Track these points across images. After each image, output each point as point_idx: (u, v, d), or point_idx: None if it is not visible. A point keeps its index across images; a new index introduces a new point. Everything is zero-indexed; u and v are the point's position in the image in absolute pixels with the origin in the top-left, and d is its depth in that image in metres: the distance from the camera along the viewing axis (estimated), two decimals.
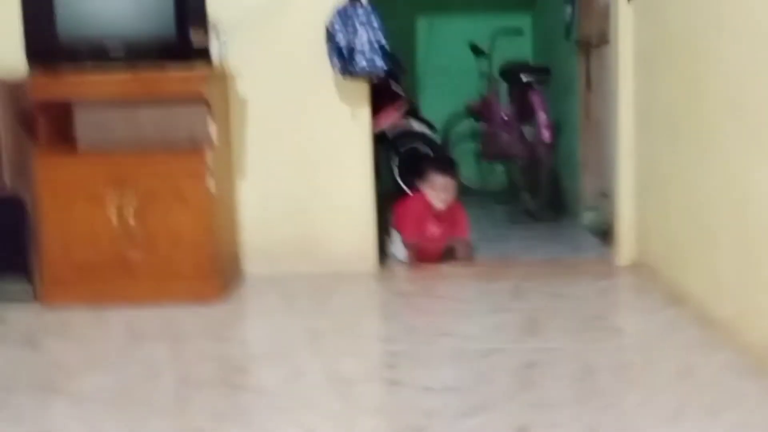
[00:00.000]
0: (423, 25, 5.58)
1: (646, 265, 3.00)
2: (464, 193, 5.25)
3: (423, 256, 3.24)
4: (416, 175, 4.85)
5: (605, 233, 3.51)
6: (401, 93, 4.63)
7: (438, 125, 5.01)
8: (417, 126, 4.78)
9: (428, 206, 3.21)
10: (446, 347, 2.23)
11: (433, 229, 3.23)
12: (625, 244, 3.16)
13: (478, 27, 4.99)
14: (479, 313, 2.59)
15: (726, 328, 2.21)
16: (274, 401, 1.89)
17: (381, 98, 4.29)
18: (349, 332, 2.44)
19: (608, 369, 2.03)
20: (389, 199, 3.52)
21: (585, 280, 2.95)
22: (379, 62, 2.86)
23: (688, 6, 2.47)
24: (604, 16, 3.40)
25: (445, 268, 3.22)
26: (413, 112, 4.79)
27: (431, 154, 4.85)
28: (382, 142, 4.61)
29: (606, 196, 3.67)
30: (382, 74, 2.91)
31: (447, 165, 3.29)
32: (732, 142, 2.15)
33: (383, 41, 2.86)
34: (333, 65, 2.92)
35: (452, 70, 5.41)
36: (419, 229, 3.20)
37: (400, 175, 4.87)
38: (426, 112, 4.95)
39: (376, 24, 2.85)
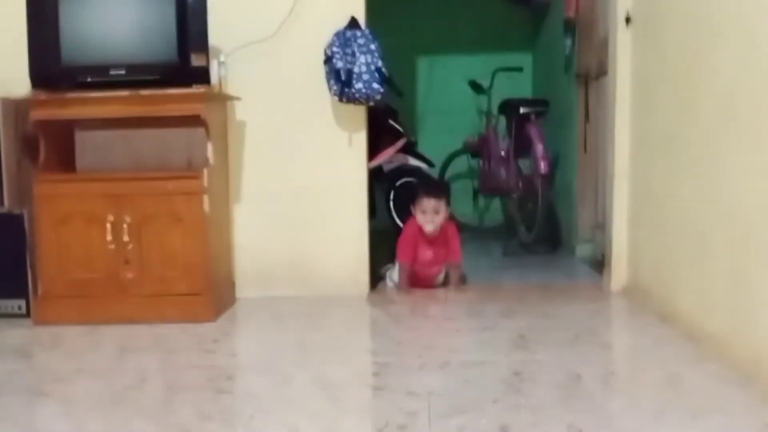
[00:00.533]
0: (423, 63, 5.71)
1: (638, 289, 3.02)
2: (461, 229, 5.33)
3: (416, 280, 3.28)
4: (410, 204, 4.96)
5: (600, 264, 3.54)
6: (399, 129, 4.73)
7: (437, 162, 5.10)
8: (413, 161, 4.87)
9: (420, 231, 3.25)
10: (433, 359, 2.24)
11: (426, 253, 3.26)
12: (618, 269, 3.19)
13: (478, 66, 5.11)
14: (468, 330, 2.60)
15: (715, 343, 2.22)
16: (261, 404, 1.89)
17: (379, 135, 4.40)
18: (338, 346, 2.46)
19: (594, 377, 2.04)
20: (384, 234, 3.56)
21: (576, 303, 2.97)
22: (376, 86, 2.93)
23: (684, 26, 2.53)
24: (604, 48, 3.49)
25: (438, 292, 3.25)
26: (410, 148, 4.87)
27: None
28: (378, 177, 4.69)
29: (601, 227, 3.70)
30: (379, 97, 2.97)
31: (435, 188, 3.31)
32: (724, 159, 2.19)
33: (381, 65, 2.94)
34: (330, 88, 2.99)
35: (451, 109, 5.52)
36: (412, 252, 3.24)
37: (395, 210, 4.93)
38: (425, 149, 5.03)
39: (374, 48, 2.93)
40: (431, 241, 3.25)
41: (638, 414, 1.77)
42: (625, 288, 3.15)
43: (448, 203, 3.26)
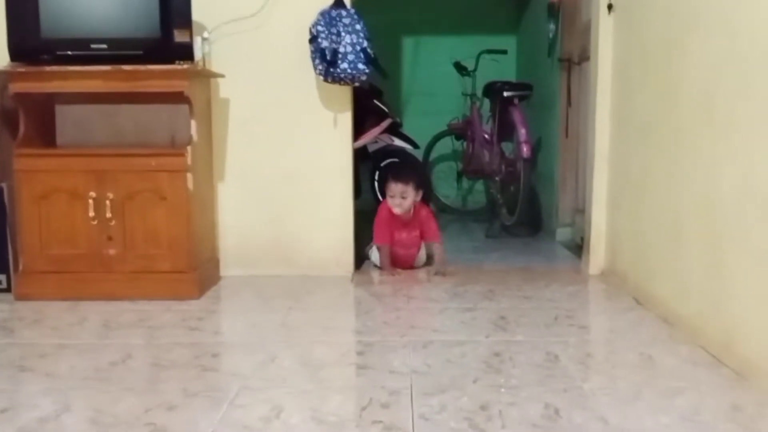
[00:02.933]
0: (409, 44, 5.70)
1: (615, 273, 3.08)
2: (444, 211, 5.39)
3: (396, 260, 3.35)
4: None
5: (579, 248, 3.59)
6: (384, 109, 4.73)
7: (421, 144, 5.11)
8: (398, 142, 4.87)
9: (392, 213, 3.32)
10: (415, 339, 2.28)
11: (402, 235, 3.33)
12: (596, 253, 3.24)
13: (463, 48, 5.11)
14: (450, 311, 2.64)
15: (688, 326, 2.28)
16: (246, 381, 1.92)
17: (364, 115, 4.40)
18: (322, 326, 2.49)
19: (571, 358, 2.08)
20: (369, 214, 3.58)
21: (555, 285, 3.02)
22: (362, 66, 2.93)
23: (664, 14, 2.57)
24: (586, 32, 3.52)
25: (420, 273, 3.29)
26: (395, 129, 4.88)
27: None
28: (363, 158, 4.69)
29: (581, 212, 3.76)
30: (364, 78, 2.98)
31: (403, 173, 3.32)
32: (700, 147, 2.24)
33: (366, 45, 2.94)
34: (315, 68, 2.99)
35: (436, 91, 5.53)
36: (387, 233, 3.30)
37: (380, 190, 4.95)
38: (409, 130, 5.04)
39: (359, 27, 2.93)
40: (405, 223, 3.32)
41: (613, 394, 1.82)
42: (603, 272, 3.21)
43: (418, 187, 3.29)
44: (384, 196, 4.95)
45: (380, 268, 3.34)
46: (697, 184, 2.26)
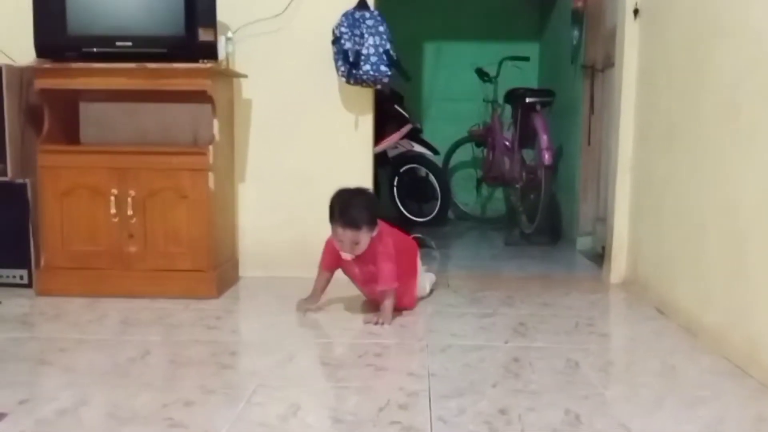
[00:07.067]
0: (430, 50, 5.70)
1: (637, 282, 3.04)
2: (462, 218, 5.37)
3: (366, 294, 2.74)
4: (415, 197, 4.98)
5: (599, 257, 3.55)
6: (405, 115, 4.73)
7: (441, 150, 5.10)
8: (418, 148, 4.87)
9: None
10: (433, 342, 2.26)
11: (353, 271, 2.64)
12: (618, 262, 3.21)
13: (485, 54, 5.10)
14: (468, 316, 2.62)
15: (711, 335, 2.24)
16: (263, 380, 1.91)
17: (384, 120, 4.40)
18: (340, 327, 2.48)
19: (592, 366, 2.05)
20: (387, 221, 3.55)
21: (576, 293, 2.99)
22: (384, 68, 2.93)
23: (690, 20, 2.54)
24: (611, 39, 3.49)
25: (439, 276, 3.26)
26: (416, 135, 4.88)
27: (430, 176, 4.94)
28: (382, 163, 4.69)
29: (602, 220, 3.72)
30: (386, 80, 2.97)
31: (351, 213, 2.47)
32: (724, 153, 2.21)
33: (389, 48, 2.94)
34: (338, 69, 2.99)
35: (457, 97, 5.52)
36: (332, 260, 2.63)
37: (398, 197, 4.95)
38: (429, 136, 5.04)
39: (382, 30, 2.93)
40: (356, 257, 2.56)
41: (635, 402, 1.79)
42: (625, 280, 3.17)
43: (372, 225, 2.51)
44: (403, 202, 4.98)
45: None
46: (720, 191, 2.23)
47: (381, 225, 2.58)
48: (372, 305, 2.65)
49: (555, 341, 2.29)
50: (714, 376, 2.00)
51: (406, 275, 2.62)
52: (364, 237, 2.49)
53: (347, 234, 2.48)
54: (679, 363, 2.09)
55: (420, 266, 2.81)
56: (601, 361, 2.12)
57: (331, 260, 2.63)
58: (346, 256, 2.54)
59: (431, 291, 2.92)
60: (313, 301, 2.66)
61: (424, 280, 2.87)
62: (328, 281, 2.69)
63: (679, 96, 2.61)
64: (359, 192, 2.57)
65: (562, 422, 1.64)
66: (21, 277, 2.94)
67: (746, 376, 1.97)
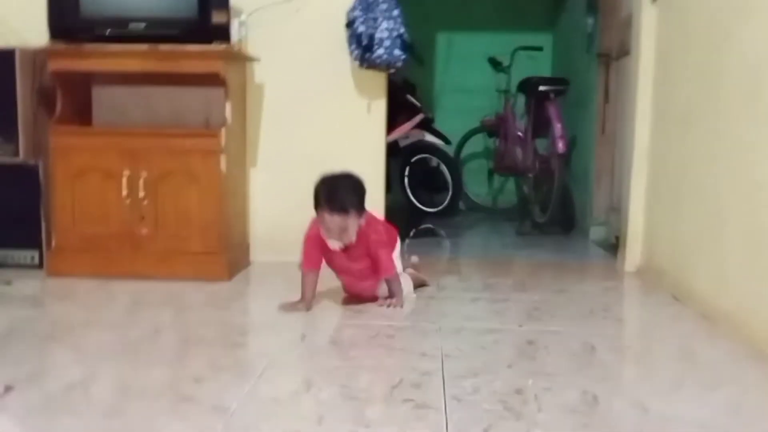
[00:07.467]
0: (442, 40, 5.66)
1: (652, 270, 2.99)
2: (474, 210, 5.33)
3: (352, 294, 2.54)
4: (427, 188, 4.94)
5: (613, 247, 3.51)
6: (417, 105, 4.70)
7: (453, 141, 5.07)
8: (429, 138, 4.84)
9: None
10: (447, 325, 2.23)
11: (343, 263, 2.46)
12: (633, 250, 3.16)
13: (498, 45, 5.06)
14: (482, 301, 2.59)
15: (729, 321, 2.20)
16: (274, 358, 1.89)
17: (396, 110, 4.37)
18: (353, 310, 2.44)
19: (608, 349, 2.02)
20: (398, 211, 3.53)
21: (590, 280, 2.96)
22: (398, 52, 2.90)
23: (710, 3, 2.49)
24: (626, 27, 3.44)
25: (451, 264, 3.24)
26: (427, 124, 4.85)
27: (441, 166, 4.90)
28: (394, 153, 4.66)
29: (616, 210, 3.68)
30: (400, 64, 2.94)
31: (339, 196, 2.32)
32: (745, 138, 2.16)
33: (403, 32, 2.91)
34: (351, 53, 2.97)
35: (469, 87, 5.49)
36: (317, 255, 2.44)
37: (410, 187, 4.92)
38: (441, 126, 5.00)
39: (396, 14, 2.90)
40: (345, 249, 2.40)
41: (653, 383, 1.76)
42: (640, 268, 3.13)
43: (360, 210, 2.35)
44: (414, 192, 4.95)
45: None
46: (740, 176, 2.18)
47: (368, 213, 2.42)
48: (355, 300, 2.48)
49: (570, 325, 2.26)
50: (733, 359, 1.96)
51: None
52: (353, 222, 2.33)
53: (335, 220, 2.30)
54: (697, 347, 2.06)
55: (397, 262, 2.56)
56: (617, 345, 2.09)
57: (316, 256, 2.42)
58: (335, 245, 2.36)
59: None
60: (301, 306, 2.38)
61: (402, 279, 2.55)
62: (316, 282, 2.43)
63: (699, 82, 2.57)
64: (345, 176, 2.39)
65: (579, 402, 1.60)
66: (32, 258, 2.93)
67: (765, 360, 1.93)
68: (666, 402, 1.63)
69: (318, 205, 2.34)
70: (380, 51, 2.90)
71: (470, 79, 5.48)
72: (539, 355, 1.96)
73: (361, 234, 2.37)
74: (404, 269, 2.67)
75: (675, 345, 2.08)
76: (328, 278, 2.50)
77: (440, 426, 1.45)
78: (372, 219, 2.45)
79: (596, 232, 4.06)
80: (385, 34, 2.90)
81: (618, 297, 2.79)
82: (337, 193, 2.32)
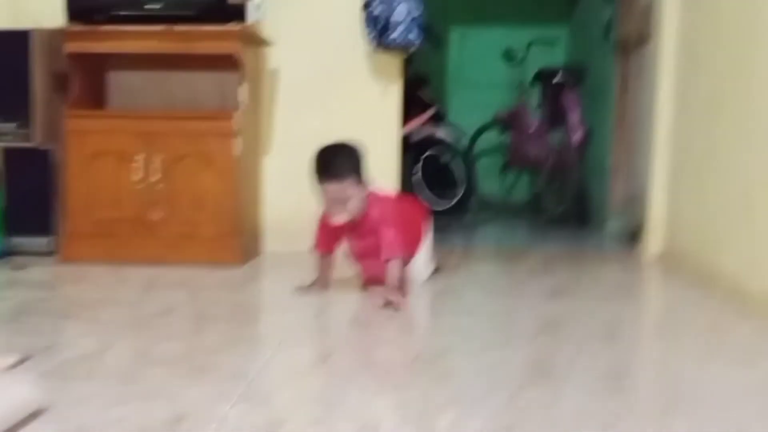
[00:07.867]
0: (456, 35, 5.63)
1: (674, 254, 2.93)
2: (486, 205, 5.28)
3: (367, 277, 2.39)
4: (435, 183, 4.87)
5: (631, 237, 3.45)
6: (428, 100, 4.66)
7: (465, 135, 5.02)
8: (440, 133, 4.79)
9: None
10: (465, 304, 2.18)
11: (357, 244, 2.34)
12: (654, 237, 3.11)
13: (512, 38, 5.01)
14: (500, 283, 2.54)
15: (759, 300, 2.14)
16: (291, 332, 1.85)
17: (409, 104, 4.33)
18: (365, 295, 2.39)
19: (635, 325, 1.97)
20: None
21: (611, 265, 2.90)
22: (413, 36, 2.87)
23: None
24: (645, 14, 3.40)
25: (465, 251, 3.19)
26: (439, 119, 4.80)
27: (453, 161, 4.85)
28: (405, 148, 4.61)
29: (634, 200, 3.62)
30: (415, 48, 2.91)
31: (334, 161, 2.20)
32: None
33: (420, 15, 2.88)
34: (367, 35, 2.94)
35: (483, 81, 5.44)
36: (329, 238, 2.35)
37: (420, 183, 4.86)
38: (454, 121, 4.96)
39: None
40: (353, 227, 2.27)
41: (681, 358, 1.70)
42: (661, 255, 3.07)
43: (359, 176, 2.21)
44: (425, 189, 4.89)
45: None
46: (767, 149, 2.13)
47: (381, 192, 2.33)
48: (373, 285, 2.30)
49: (593, 305, 2.20)
50: (762, 336, 1.90)
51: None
52: (352, 190, 2.17)
53: (332, 188, 2.16)
54: (726, 325, 2.00)
55: (426, 241, 2.46)
56: (645, 322, 2.04)
57: (328, 239, 2.33)
58: (338, 219, 2.21)
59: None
60: (319, 287, 2.29)
61: (424, 263, 2.46)
62: (331, 266, 2.35)
63: (725, 65, 2.52)
64: (341, 144, 2.26)
65: (607, 374, 1.55)
66: (47, 245, 2.90)
67: None
68: (697, 374, 1.57)
69: (316, 177, 2.21)
70: (394, 35, 2.87)
71: (484, 74, 5.43)
72: (561, 332, 1.90)
73: (368, 212, 2.23)
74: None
75: (703, 322, 2.03)
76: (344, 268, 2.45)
77: (465, 390, 1.41)
78: (383, 197, 2.33)
79: (612, 225, 4.00)
80: (402, 17, 2.86)
81: (641, 279, 2.73)
82: (333, 160, 2.19)
